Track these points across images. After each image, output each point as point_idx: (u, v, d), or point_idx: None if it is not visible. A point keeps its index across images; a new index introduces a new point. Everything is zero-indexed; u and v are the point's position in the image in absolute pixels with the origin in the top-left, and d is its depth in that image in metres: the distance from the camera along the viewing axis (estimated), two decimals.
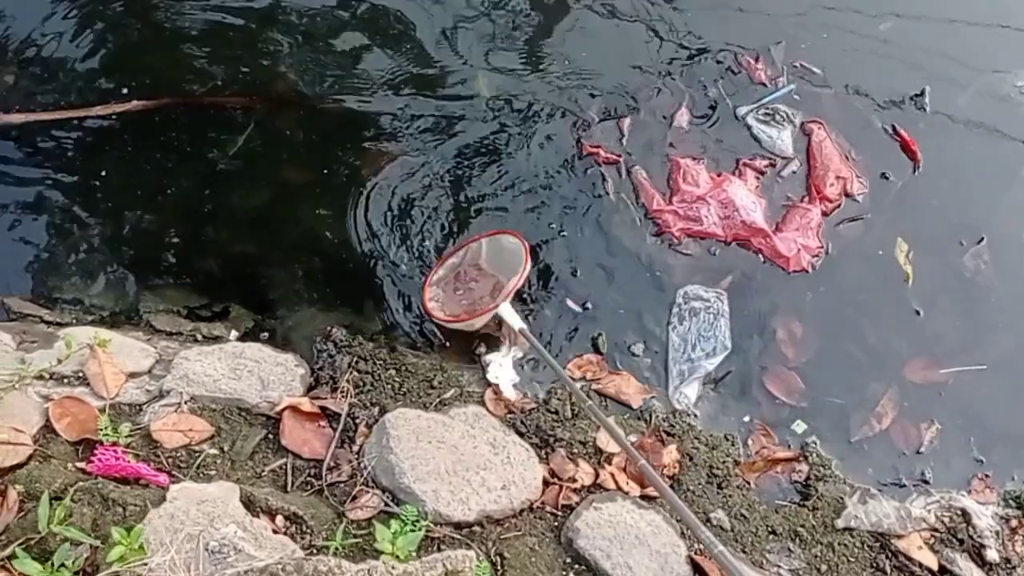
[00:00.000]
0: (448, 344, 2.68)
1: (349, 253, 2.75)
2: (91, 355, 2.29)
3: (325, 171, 2.90)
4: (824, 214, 2.96)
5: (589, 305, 2.75)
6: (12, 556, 1.73)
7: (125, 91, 2.89)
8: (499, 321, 2.65)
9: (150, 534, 1.77)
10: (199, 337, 2.59)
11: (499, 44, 3.21)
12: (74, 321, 2.58)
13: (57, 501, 1.85)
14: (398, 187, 2.88)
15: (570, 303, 2.74)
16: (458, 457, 2.27)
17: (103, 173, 2.80)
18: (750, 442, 2.65)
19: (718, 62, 3.23)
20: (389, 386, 2.52)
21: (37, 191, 2.74)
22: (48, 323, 2.57)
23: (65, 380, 2.27)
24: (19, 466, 1.99)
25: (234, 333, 2.63)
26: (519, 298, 2.68)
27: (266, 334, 2.68)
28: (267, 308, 2.71)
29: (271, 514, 2.05)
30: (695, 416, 2.65)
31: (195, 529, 1.87)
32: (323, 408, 2.37)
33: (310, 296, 2.72)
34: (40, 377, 2.23)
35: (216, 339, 2.60)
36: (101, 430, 2.10)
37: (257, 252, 2.76)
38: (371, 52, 3.16)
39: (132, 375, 2.33)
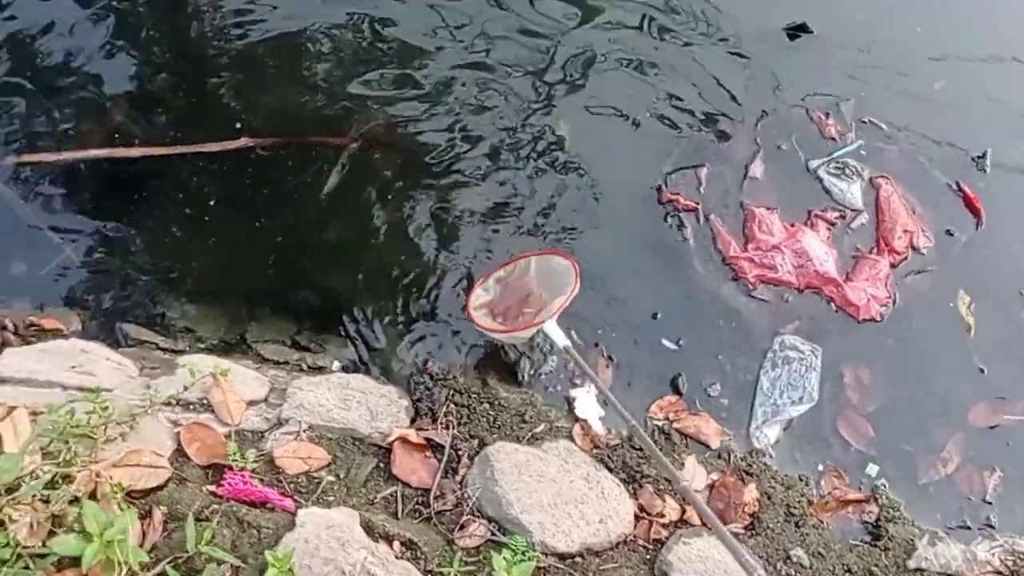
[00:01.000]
0: (536, 380, 2.78)
1: (439, 289, 2.88)
2: (214, 383, 2.43)
3: (414, 209, 3.05)
4: (892, 266, 3.10)
5: (683, 342, 2.87)
6: (162, 574, 1.85)
7: (238, 126, 3.02)
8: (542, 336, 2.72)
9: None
10: (304, 367, 2.72)
11: (581, 88, 3.34)
12: (187, 348, 2.72)
13: (199, 522, 1.98)
14: (482, 225, 3.01)
15: (665, 342, 2.87)
16: (557, 490, 2.40)
17: (211, 203, 2.93)
18: (823, 483, 2.78)
19: (791, 116, 3.37)
20: (484, 419, 2.64)
21: (149, 221, 2.89)
22: (163, 350, 2.70)
23: (191, 407, 2.39)
24: (159, 488, 2.12)
25: (336, 364, 2.75)
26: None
27: (364, 365, 2.78)
28: (364, 339, 2.81)
29: (388, 540, 2.19)
30: (771, 456, 2.77)
31: (330, 553, 2.00)
32: (428, 439, 2.49)
33: (404, 329, 2.84)
34: (167, 403, 2.36)
35: (320, 369, 2.73)
36: (230, 455, 2.23)
37: (353, 285, 2.90)
38: (458, 94, 3.34)
39: (251, 403, 2.46)
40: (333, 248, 2.95)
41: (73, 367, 2.44)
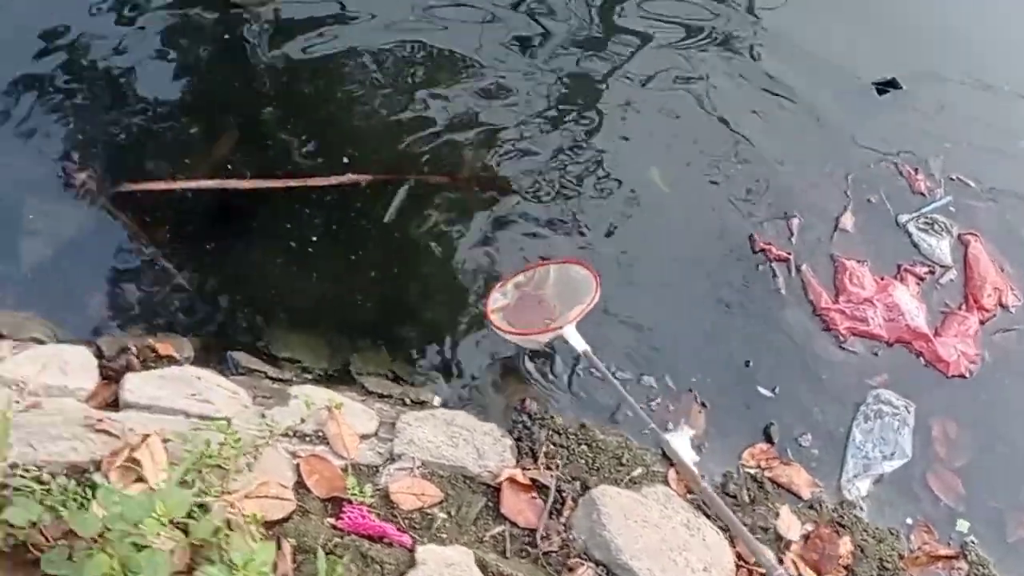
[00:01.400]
0: (628, 421, 2.83)
1: None
2: (329, 417, 2.49)
3: (508, 250, 3.15)
4: (981, 323, 3.13)
5: (778, 390, 2.90)
6: None
7: (346, 160, 3.11)
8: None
9: None
10: (407, 401, 2.78)
11: (671, 136, 3.41)
12: (293, 379, 2.78)
13: (326, 556, 2.03)
14: None
15: (761, 389, 2.91)
16: (662, 536, 2.44)
17: (315, 234, 3.01)
18: (912, 537, 2.80)
19: (880, 170, 3.43)
20: (583, 460, 2.69)
21: (255, 251, 3.00)
22: (272, 379, 2.77)
23: (307, 438, 2.46)
24: (285, 520, 2.18)
25: (437, 399, 2.82)
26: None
27: (463, 400, 2.84)
28: (461, 374, 2.88)
29: None
30: (862, 509, 2.80)
31: None
32: (533, 480, 2.54)
33: (500, 366, 2.90)
34: (285, 434, 2.42)
35: (422, 404, 2.79)
36: (349, 489, 2.29)
37: (451, 320, 2.96)
38: (554, 138, 3.43)
39: (363, 437, 2.52)
40: (430, 283, 3.01)
41: (192, 394, 2.51)
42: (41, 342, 2.70)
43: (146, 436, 2.23)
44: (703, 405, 2.89)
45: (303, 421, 2.45)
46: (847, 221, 3.30)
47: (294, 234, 3.03)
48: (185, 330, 2.83)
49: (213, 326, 2.85)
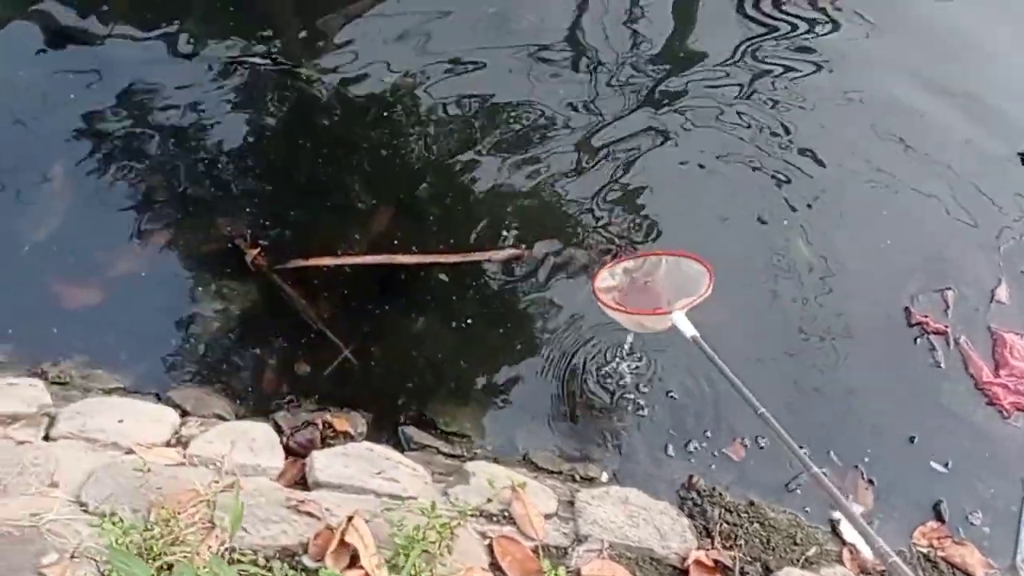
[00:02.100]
0: (797, 498, 2.80)
1: (696, 403, 3.00)
2: (514, 496, 2.51)
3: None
4: None
5: (946, 466, 2.86)
6: None
7: (505, 234, 3.18)
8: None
9: None
10: (577, 477, 2.79)
11: (819, 206, 3.42)
12: (464, 454, 2.81)
13: None
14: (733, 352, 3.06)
15: (935, 465, 2.87)
16: None
17: (476, 308, 3.07)
18: None
19: None
20: (757, 540, 2.67)
21: (419, 326, 3.09)
22: (445, 454, 2.81)
23: (493, 518, 2.47)
24: None
25: (605, 475, 2.82)
26: None
27: (627, 476, 2.83)
28: (624, 448, 2.88)
29: None
30: None
31: None
32: (716, 561, 2.53)
33: (664, 441, 2.90)
34: (472, 514, 2.44)
35: (591, 480, 2.80)
36: (544, 572, 2.29)
37: (614, 394, 2.96)
38: (684, 209, 3.49)
39: (546, 516, 2.53)
40: (591, 359, 3.02)
41: (378, 473, 2.55)
42: (223, 418, 2.77)
43: (350, 518, 2.27)
44: (870, 482, 2.86)
45: (489, 501, 2.46)
46: (1002, 293, 3.27)
47: (455, 307, 3.06)
48: (356, 404, 2.86)
49: (381, 400, 2.90)
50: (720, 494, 2.79)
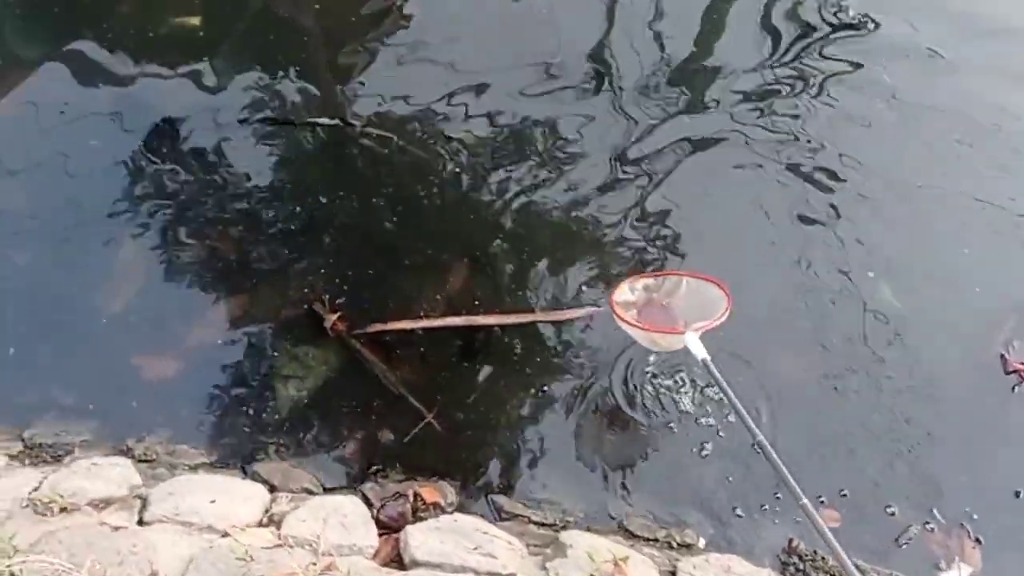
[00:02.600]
0: (900, 554, 2.70)
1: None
2: (616, 571, 2.43)
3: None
4: None
5: None
6: None
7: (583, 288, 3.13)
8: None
9: None
10: (673, 544, 2.71)
11: (905, 247, 3.33)
12: (556, 522, 2.74)
13: None
14: (810, 414, 3.03)
15: None
16: None
17: (550, 382, 3.00)
18: None
19: None
20: None
21: (501, 388, 3.04)
22: (537, 524, 2.73)
23: None
24: None
25: (702, 540, 2.73)
26: None
27: (722, 541, 2.74)
28: (717, 512, 2.79)
29: None
30: None
31: None
32: None
33: (755, 502, 2.80)
34: None
35: (688, 546, 2.71)
36: None
37: (706, 454, 2.88)
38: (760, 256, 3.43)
39: None
40: (676, 418, 2.95)
41: (475, 548, 2.48)
42: (311, 492, 2.72)
43: None
44: (977, 541, 2.74)
45: None
46: None
47: (536, 367, 3.01)
48: (442, 472, 2.81)
49: (468, 467, 2.85)
50: (823, 558, 2.70)
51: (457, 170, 3.53)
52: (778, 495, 2.83)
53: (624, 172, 3.59)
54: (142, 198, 3.35)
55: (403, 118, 3.67)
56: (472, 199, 3.46)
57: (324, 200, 3.37)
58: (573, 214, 3.44)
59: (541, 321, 3.09)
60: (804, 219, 3.50)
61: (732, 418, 2.93)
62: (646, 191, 3.53)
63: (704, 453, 2.89)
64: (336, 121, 3.55)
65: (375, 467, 2.83)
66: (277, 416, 2.90)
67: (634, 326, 2.82)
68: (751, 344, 3.10)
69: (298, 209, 3.32)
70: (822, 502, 2.85)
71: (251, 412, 2.90)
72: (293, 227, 3.28)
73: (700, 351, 2.65)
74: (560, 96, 3.85)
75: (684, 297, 2.92)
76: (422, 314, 3.07)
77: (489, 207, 3.41)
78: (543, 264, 3.27)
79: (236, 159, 3.50)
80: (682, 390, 3.05)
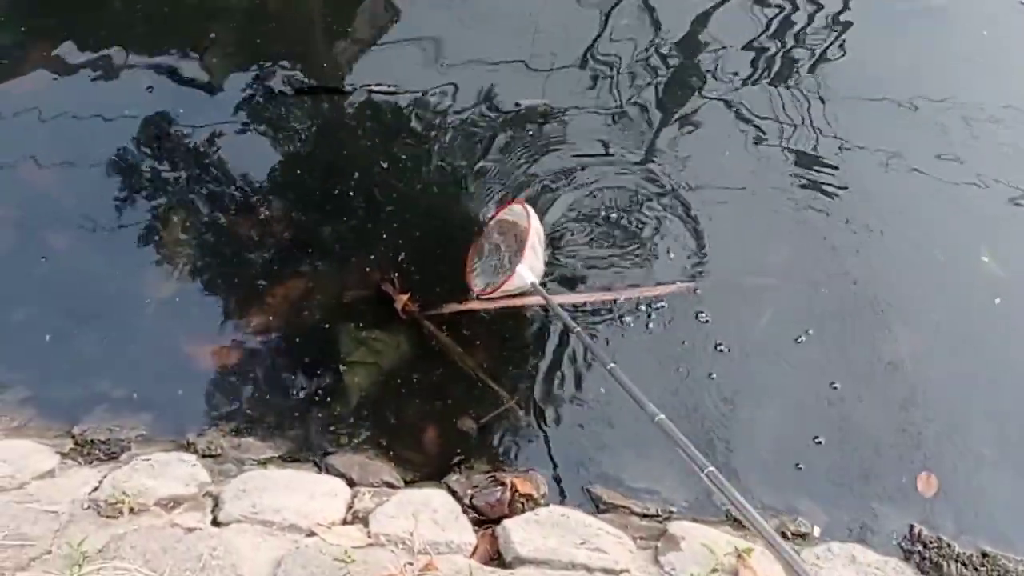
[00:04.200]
0: None
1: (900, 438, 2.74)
2: (741, 564, 2.21)
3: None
4: None
5: None
6: None
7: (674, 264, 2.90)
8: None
9: None
10: (787, 534, 2.49)
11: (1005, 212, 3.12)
12: (660, 513, 2.52)
13: None
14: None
15: None
16: None
17: (642, 362, 2.78)
18: None
19: None
20: None
21: (584, 370, 2.79)
22: (640, 515, 2.51)
23: None
24: None
25: (817, 529, 2.52)
26: None
27: (839, 530, 2.53)
28: (827, 498, 2.58)
29: None
30: None
31: None
32: None
33: (869, 484, 2.59)
34: None
35: (804, 536, 2.50)
36: None
37: (809, 436, 2.66)
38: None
39: None
40: (781, 394, 2.72)
41: (581, 543, 2.26)
42: (393, 485, 2.49)
43: None
44: None
45: (715, 571, 2.16)
46: None
47: (625, 347, 2.78)
48: (530, 461, 2.59)
49: (558, 456, 2.64)
50: (948, 544, 2.48)
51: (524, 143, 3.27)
52: (888, 478, 2.65)
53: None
54: (188, 177, 3.09)
55: (466, 86, 3.39)
56: (546, 172, 3.19)
57: (383, 172, 3.11)
58: (644, 193, 3.16)
59: (628, 298, 2.83)
60: None
61: (845, 400, 2.71)
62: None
63: (814, 439, 2.64)
64: (393, 87, 3.27)
65: (457, 457, 2.59)
66: (347, 405, 2.67)
67: (490, 295, 2.75)
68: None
69: (356, 183, 3.09)
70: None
71: (319, 401, 2.67)
72: (352, 203, 3.05)
73: (529, 277, 2.67)
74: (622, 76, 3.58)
75: (503, 231, 2.89)
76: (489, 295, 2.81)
77: (567, 181, 3.15)
78: (625, 238, 3.00)
79: (287, 132, 3.25)
80: (779, 369, 2.79)
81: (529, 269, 2.66)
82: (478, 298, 2.79)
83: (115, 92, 3.33)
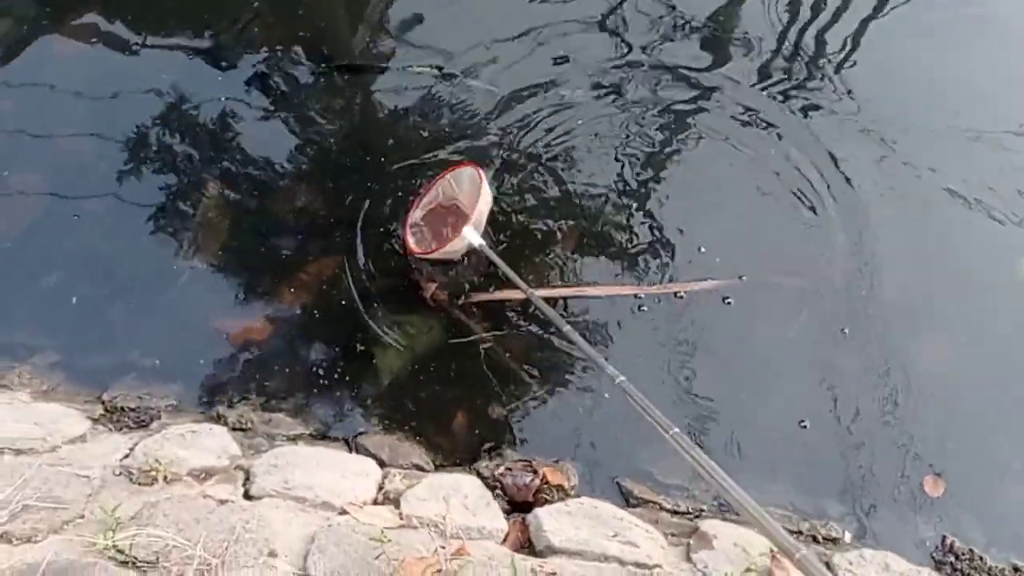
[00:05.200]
0: None
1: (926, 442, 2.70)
2: (775, 565, 2.18)
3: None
4: None
5: None
6: None
7: (701, 249, 2.92)
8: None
9: None
10: (818, 538, 2.47)
11: None
12: (690, 510, 2.49)
13: None
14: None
15: None
16: None
17: (674, 358, 2.75)
18: None
19: None
20: None
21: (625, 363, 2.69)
22: (670, 511, 2.49)
23: None
24: None
25: (848, 534, 2.49)
26: None
27: (867, 535, 2.50)
28: (859, 503, 2.55)
29: None
30: None
31: None
32: None
33: (898, 493, 2.56)
34: None
35: (834, 540, 2.47)
36: None
37: (840, 441, 2.64)
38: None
39: None
40: (815, 398, 2.69)
41: (613, 535, 2.23)
42: (422, 468, 2.47)
43: None
44: None
45: (749, 571, 2.13)
46: None
47: (658, 343, 2.75)
48: (559, 452, 2.55)
49: (586, 447, 2.60)
50: (980, 558, 2.44)
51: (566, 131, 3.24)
52: (921, 486, 2.62)
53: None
54: (224, 151, 3.06)
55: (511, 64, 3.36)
56: (583, 165, 3.17)
57: (420, 152, 3.07)
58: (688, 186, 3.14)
59: (663, 292, 2.80)
60: None
61: (875, 406, 2.71)
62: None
63: (850, 444, 2.62)
64: (433, 69, 3.25)
65: (487, 444, 2.56)
66: (378, 386, 2.65)
67: (430, 256, 2.78)
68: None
69: (392, 163, 3.03)
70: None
71: (349, 381, 2.65)
72: (388, 184, 2.98)
73: (475, 239, 2.71)
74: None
75: (457, 189, 2.91)
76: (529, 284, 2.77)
77: (602, 172, 3.13)
78: (663, 231, 2.98)
79: (326, 111, 3.22)
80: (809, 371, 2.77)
81: (474, 230, 2.69)
82: (415, 257, 2.82)
83: (152, 63, 3.31)
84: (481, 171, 2.77)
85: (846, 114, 3.38)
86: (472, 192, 2.80)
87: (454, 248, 2.71)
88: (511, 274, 2.61)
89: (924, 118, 3.39)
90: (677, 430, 1.93)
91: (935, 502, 2.57)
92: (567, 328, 2.28)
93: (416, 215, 2.90)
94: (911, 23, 3.73)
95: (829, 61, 3.55)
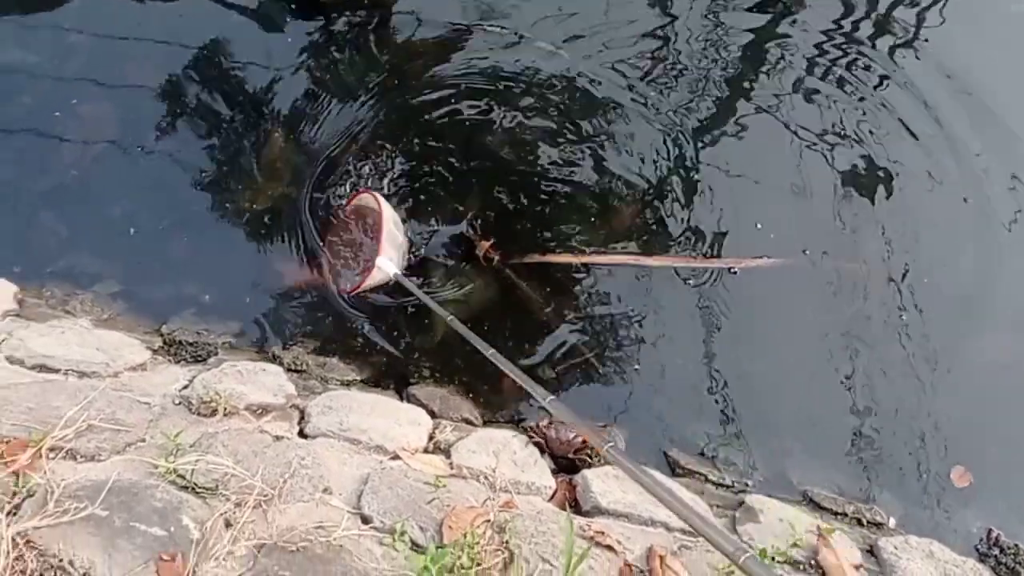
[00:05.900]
0: None
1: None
2: (821, 543, 2.17)
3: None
4: None
5: None
6: None
7: (759, 226, 2.87)
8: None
9: None
10: (863, 521, 2.46)
11: None
12: (733, 484, 2.49)
13: None
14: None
15: None
16: None
17: (725, 332, 2.73)
18: None
19: None
20: None
21: (666, 337, 2.80)
22: (715, 484, 2.49)
23: (799, 566, 2.14)
24: None
25: (892, 520, 2.47)
26: None
27: (912, 521, 2.49)
28: (905, 489, 2.54)
29: None
30: None
31: None
32: None
33: (937, 481, 2.54)
34: (785, 561, 2.11)
35: (878, 525, 2.46)
36: None
37: (891, 428, 2.61)
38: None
39: (856, 567, 2.18)
40: (872, 391, 2.67)
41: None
42: (471, 422, 2.48)
43: (662, 557, 1.97)
44: None
45: (795, 546, 2.13)
46: None
47: (711, 316, 2.74)
48: (605, 417, 2.53)
49: (633, 415, 2.59)
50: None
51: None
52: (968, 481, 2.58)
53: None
54: (294, 98, 3.06)
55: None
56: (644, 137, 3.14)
57: (481, 119, 3.06)
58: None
59: (716, 267, 2.78)
60: None
61: (926, 395, 2.65)
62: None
63: (899, 432, 2.59)
64: (509, 30, 3.23)
65: (534, 403, 2.55)
66: (432, 339, 2.66)
67: (356, 290, 2.65)
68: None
69: (461, 125, 3.02)
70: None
71: (404, 332, 2.64)
72: (449, 142, 2.97)
73: (391, 269, 2.60)
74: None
75: (364, 231, 2.79)
76: (586, 251, 2.75)
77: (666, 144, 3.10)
78: (723, 207, 2.95)
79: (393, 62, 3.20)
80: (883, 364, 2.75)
81: (389, 260, 2.59)
82: (348, 296, 2.72)
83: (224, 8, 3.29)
84: (379, 196, 2.69)
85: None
86: (377, 219, 2.70)
87: (375, 281, 2.65)
88: (427, 300, 2.51)
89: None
90: (553, 398, 1.90)
91: (969, 492, 2.53)
92: (491, 352, 2.23)
93: (336, 246, 2.83)
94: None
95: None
